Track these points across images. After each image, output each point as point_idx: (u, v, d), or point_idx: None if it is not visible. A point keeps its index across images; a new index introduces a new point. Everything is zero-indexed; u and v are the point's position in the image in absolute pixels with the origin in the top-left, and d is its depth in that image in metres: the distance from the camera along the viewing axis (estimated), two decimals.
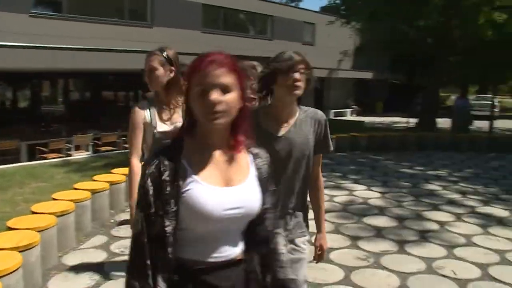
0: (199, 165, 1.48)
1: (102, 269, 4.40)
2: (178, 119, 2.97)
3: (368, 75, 27.61)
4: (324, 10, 28.22)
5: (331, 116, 24.61)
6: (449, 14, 16.34)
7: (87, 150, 11.64)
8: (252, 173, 1.58)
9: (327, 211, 6.40)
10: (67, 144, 11.32)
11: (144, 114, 2.96)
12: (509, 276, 4.42)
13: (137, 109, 2.99)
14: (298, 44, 23.49)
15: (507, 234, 5.67)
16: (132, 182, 2.86)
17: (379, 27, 19.32)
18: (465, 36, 18.34)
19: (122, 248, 4.95)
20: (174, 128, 2.92)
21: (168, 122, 2.98)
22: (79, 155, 10.71)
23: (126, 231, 5.47)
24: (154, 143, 2.91)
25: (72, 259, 4.65)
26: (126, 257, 4.57)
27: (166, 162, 1.43)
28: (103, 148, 11.75)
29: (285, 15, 23.12)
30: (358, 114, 26.90)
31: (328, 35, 23.78)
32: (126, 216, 6.07)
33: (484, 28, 16.80)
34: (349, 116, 26.75)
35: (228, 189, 1.49)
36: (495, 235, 5.60)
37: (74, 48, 12.79)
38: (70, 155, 10.72)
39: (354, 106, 28.02)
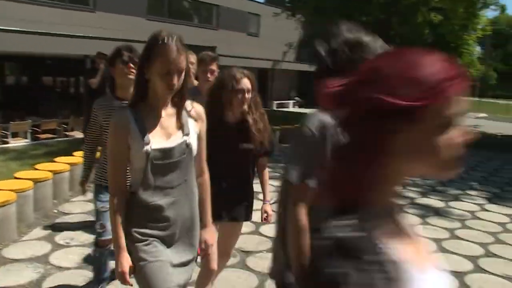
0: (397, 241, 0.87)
1: (48, 261, 4.27)
2: (175, 132, 2.18)
3: (311, 67, 28.04)
4: (269, 1, 28.38)
5: (274, 107, 24.87)
6: (390, 12, 16.91)
7: (26, 138, 11.14)
8: None
9: (275, 202, 6.54)
10: (3, 131, 10.78)
11: (128, 128, 2.10)
12: (446, 263, 4.70)
13: (118, 122, 2.14)
14: (243, 34, 23.54)
15: (443, 223, 6.00)
16: (114, 224, 2.14)
17: (323, 21, 19.66)
18: (403, 33, 19.07)
19: (67, 239, 4.82)
20: (177, 145, 2.16)
21: (165, 136, 2.15)
22: (16, 143, 10.24)
23: (71, 222, 5.34)
24: (148, 166, 2.11)
25: (13, 251, 4.47)
26: (71, 248, 4.46)
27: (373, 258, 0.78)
28: (43, 136, 11.27)
29: (231, 5, 23.03)
30: (301, 106, 27.28)
31: (273, 26, 23.95)
32: (70, 206, 5.91)
33: (421, 27, 17.54)
34: (291, 107, 27.11)
35: None
36: (432, 225, 5.92)
37: (11, 30, 12.18)
38: (7, 143, 10.22)
39: (296, 98, 28.40)
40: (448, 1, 16.20)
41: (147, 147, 2.08)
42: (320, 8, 17.49)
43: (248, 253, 4.72)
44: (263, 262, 4.50)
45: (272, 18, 21.26)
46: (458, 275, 4.45)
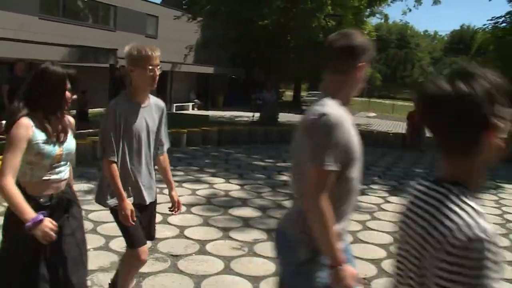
0: None
1: None
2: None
3: (209, 69, 28.15)
4: (165, 2, 28.09)
5: (174, 110, 24.57)
6: (288, 17, 17.64)
7: None
8: None
9: (192, 205, 6.59)
10: None
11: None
12: (362, 252, 5.11)
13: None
14: (141, 36, 23.04)
15: (355, 217, 6.39)
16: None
17: (222, 25, 19.91)
18: (299, 36, 19.99)
19: None
20: None
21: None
22: None
23: None
24: None
25: None
26: None
27: None
28: None
29: (128, 6, 22.48)
30: (200, 108, 27.25)
31: (171, 28, 23.73)
32: None
33: (316, 31, 18.55)
34: (191, 109, 27.00)
35: None
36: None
37: None
38: None
39: (196, 100, 28.31)
40: (340, 8, 17.31)
41: None
42: (215, 11, 17.78)
43: (177, 257, 4.72)
44: (195, 264, 4.55)
45: (170, 20, 21.12)
46: (375, 262, 4.85)
